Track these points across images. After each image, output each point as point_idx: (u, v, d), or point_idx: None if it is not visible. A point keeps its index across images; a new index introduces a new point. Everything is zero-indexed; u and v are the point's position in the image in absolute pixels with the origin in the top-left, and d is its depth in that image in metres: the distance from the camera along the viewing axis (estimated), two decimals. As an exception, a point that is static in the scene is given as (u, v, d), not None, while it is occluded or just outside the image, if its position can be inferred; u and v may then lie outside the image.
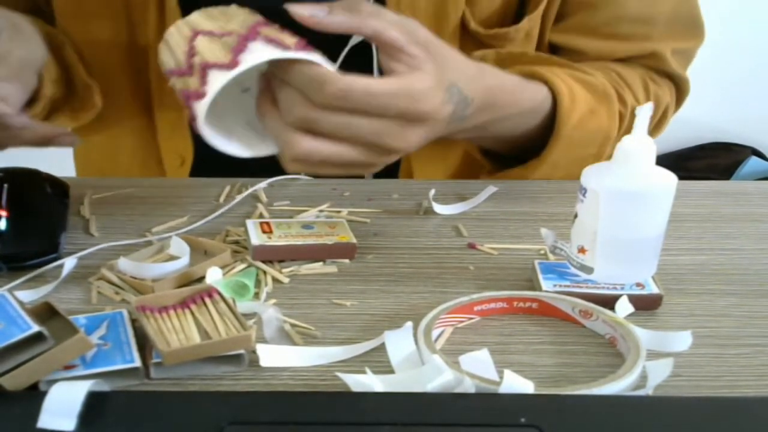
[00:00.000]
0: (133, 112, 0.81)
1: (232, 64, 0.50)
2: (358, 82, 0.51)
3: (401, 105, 0.53)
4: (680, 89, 0.83)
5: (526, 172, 0.73)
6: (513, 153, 0.74)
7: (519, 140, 0.71)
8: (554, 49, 0.80)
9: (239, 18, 0.55)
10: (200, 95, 0.50)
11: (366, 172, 0.58)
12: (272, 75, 0.54)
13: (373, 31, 0.54)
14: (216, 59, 0.51)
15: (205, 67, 0.51)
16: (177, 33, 0.55)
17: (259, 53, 0.50)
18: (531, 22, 0.77)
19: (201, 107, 0.51)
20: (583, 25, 0.77)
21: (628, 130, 0.73)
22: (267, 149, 0.56)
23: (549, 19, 0.78)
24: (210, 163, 0.77)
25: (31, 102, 0.70)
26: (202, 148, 0.78)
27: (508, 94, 0.65)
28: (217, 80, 0.50)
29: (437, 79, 0.55)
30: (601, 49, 0.78)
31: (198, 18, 0.56)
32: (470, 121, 0.61)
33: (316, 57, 0.51)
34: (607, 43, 0.78)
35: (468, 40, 0.76)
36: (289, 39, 0.52)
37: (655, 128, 0.82)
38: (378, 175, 0.78)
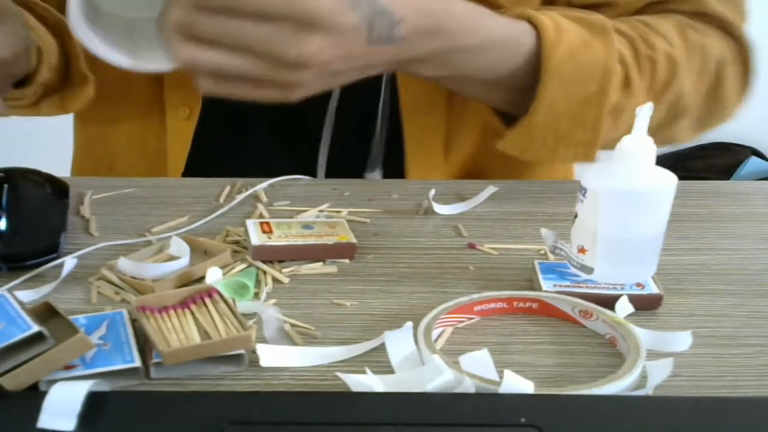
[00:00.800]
0: (143, 85, 0.80)
1: None
2: None
3: (279, 4, 0.49)
4: (739, 43, 0.72)
5: (528, 122, 0.66)
6: (517, 109, 0.68)
7: (509, 85, 0.65)
8: (583, 8, 0.73)
9: None
10: None
11: (275, 91, 0.54)
12: None
13: None
14: None
15: None
16: None
17: None
18: None
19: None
20: None
21: (668, 82, 0.66)
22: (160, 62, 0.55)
23: None
24: (216, 118, 0.76)
25: (22, 83, 0.68)
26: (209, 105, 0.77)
27: (461, 19, 0.60)
28: None
29: None
30: None
31: None
32: (412, 47, 0.57)
33: None
34: None
35: None
36: None
37: (714, 90, 0.71)
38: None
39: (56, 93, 0.74)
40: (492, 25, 0.62)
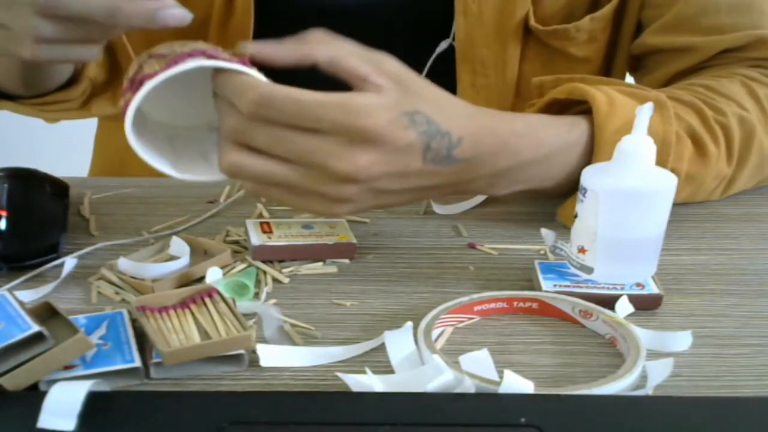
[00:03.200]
0: None
1: (160, 72, 0.50)
2: (282, 89, 0.49)
3: (335, 117, 0.49)
4: None
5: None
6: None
7: (567, 174, 0.63)
8: (657, 52, 0.76)
9: (194, 45, 0.55)
10: (128, 103, 0.51)
11: (321, 203, 0.53)
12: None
13: (328, 58, 0.52)
14: (151, 71, 0.51)
15: (142, 80, 0.51)
16: (136, 61, 0.56)
17: (187, 64, 0.50)
18: (594, 23, 0.73)
19: (128, 113, 0.51)
20: (681, 21, 0.73)
21: (748, 146, 0.66)
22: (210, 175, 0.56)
23: (625, 28, 0.75)
24: None
25: (69, 83, 0.67)
26: None
27: (526, 134, 0.59)
28: (144, 87, 0.50)
29: (393, 100, 0.51)
30: (709, 44, 0.73)
31: (159, 46, 0.56)
32: (476, 168, 0.56)
33: (246, 68, 0.50)
34: (708, 37, 0.73)
35: (531, 39, 0.75)
36: (229, 56, 0.52)
37: None
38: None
39: (106, 90, 0.73)
40: (554, 134, 0.61)
